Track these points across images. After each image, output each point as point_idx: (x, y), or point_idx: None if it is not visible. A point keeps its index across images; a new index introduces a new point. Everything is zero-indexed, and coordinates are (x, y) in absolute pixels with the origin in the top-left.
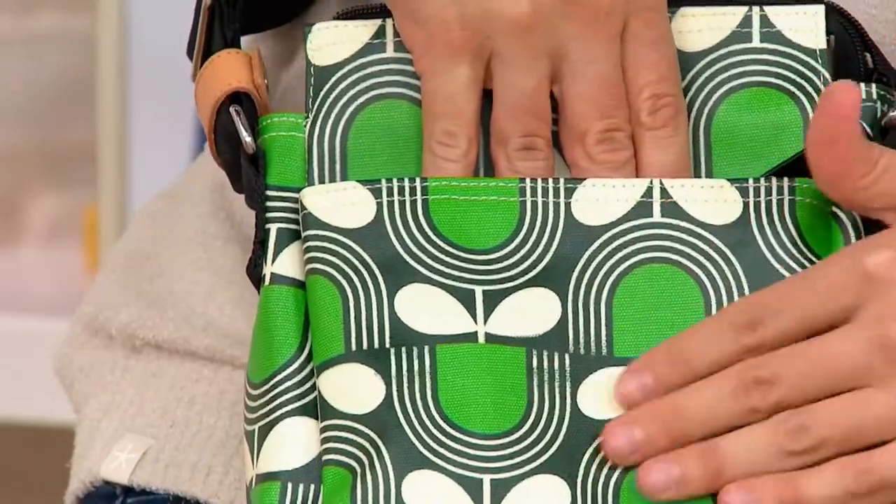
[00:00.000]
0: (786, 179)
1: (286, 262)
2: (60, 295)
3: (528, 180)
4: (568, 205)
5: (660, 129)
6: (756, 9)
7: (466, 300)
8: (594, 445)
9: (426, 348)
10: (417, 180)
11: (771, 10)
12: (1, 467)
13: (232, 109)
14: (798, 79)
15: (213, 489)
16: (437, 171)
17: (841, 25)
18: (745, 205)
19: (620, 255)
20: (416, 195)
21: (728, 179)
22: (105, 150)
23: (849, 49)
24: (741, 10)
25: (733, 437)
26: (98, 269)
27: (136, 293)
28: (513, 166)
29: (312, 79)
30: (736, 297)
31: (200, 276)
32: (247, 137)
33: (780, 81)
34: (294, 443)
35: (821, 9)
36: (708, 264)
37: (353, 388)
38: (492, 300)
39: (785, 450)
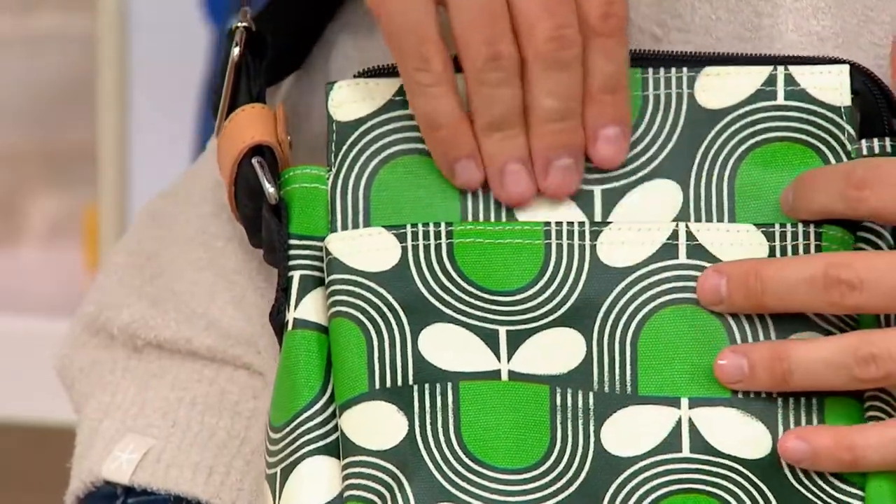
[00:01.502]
0: (812, 225)
1: (309, 308)
2: (60, 295)
3: (553, 223)
4: (593, 247)
5: (608, 36)
6: (781, 68)
7: (490, 339)
8: (617, 482)
9: (449, 385)
10: (442, 225)
11: (796, 70)
12: (1, 467)
13: (254, 161)
14: (823, 134)
15: (214, 490)
16: (425, 98)
17: (866, 86)
18: (771, 248)
19: (646, 295)
20: (440, 239)
21: (754, 224)
22: (105, 150)
23: (873, 108)
24: (766, 70)
25: (804, 347)
26: (98, 269)
27: (137, 293)
28: (481, 87)
29: (334, 134)
30: (761, 338)
31: (202, 276)
32: (270, 188)
33: (804, 137)
34: (316, 482)
35: (845, 68)
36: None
37: (376, 425)
38: (515, 340)
39: (853, 375)
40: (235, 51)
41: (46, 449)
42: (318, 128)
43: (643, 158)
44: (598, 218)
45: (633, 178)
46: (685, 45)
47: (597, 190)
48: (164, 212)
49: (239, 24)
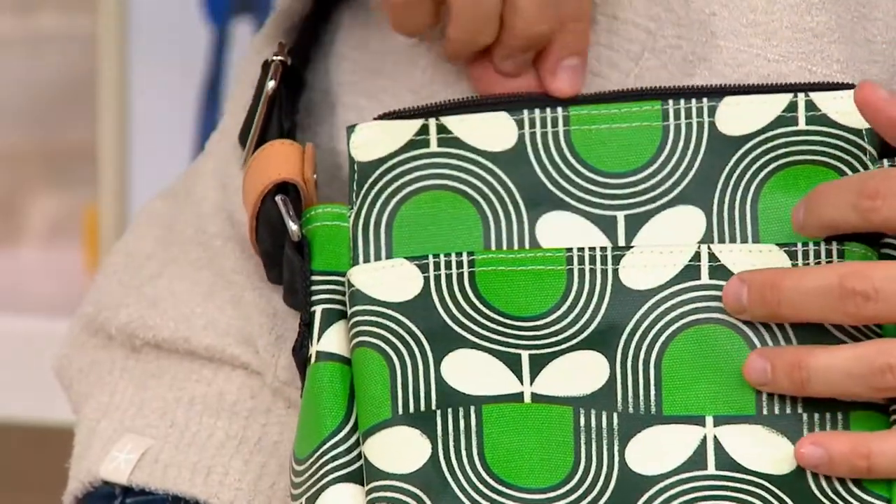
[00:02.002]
0: (834, 243)
1: (332, 340)
2: (60, 295)
3: (574, 249)
4: (615, 271)
5: None
6: (801, 95)
7: (513, 363)
8: (643, 500)
9: (472, 408)
10: (464, 254)
11: (816, 96)
12: (0, 467)
13: (278, 198)
14: (845, 156)
15: (212, 489)
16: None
17: None
18: (794, 266)
19: (669, 317)
20: (462, 268)
21: (776, 244)
22: (105, 151)
23: None
24: (786, 97)
25: (823, 355)
26: (98, 269)
27: (135, 293)
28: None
29: (355, 174)
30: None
31: (201, 275)
32: (293, 226)
33: (827, 159)
34: None
35: None
36: (757, 322)
37: (399, 449)
38: (538, 363)
39: (869, 385)
40: (270, 84)
41: (45, 449)
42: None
43: (666, 185)
44: (621, 243)
45: (657, 203)
46: (678, 40)
47: (620, 215)
48: (163, 212)
49: (274, 58)
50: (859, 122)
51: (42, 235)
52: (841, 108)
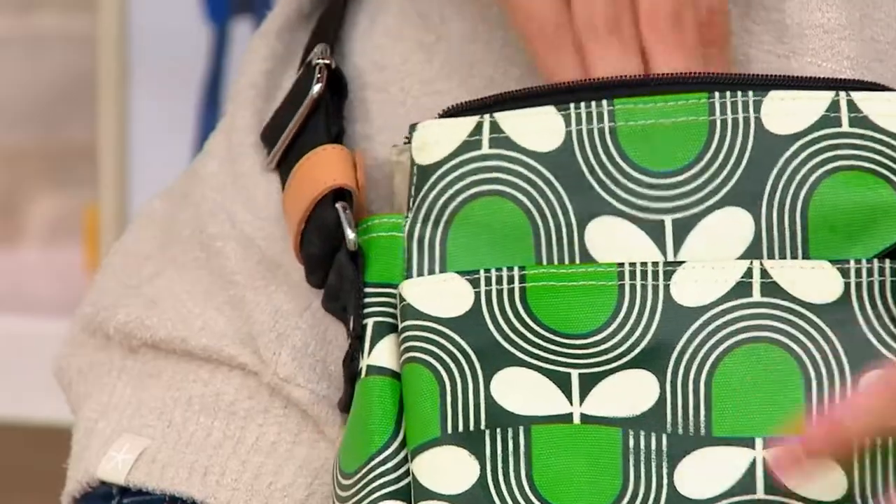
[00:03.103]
0: (888, 261)
1: (382, 355)
2: (60, 295)
3: (626, 264)
4: (667, 287)
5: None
6: (843, 94)
7: (562, 383)
8: None
9: (521, 429)
10: (515, 269)
11: (857, 96)
12: None
13: (338, 205)
14: (890, 163)
15: (209, 489)
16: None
17: None
18: (847, 285)
19: (720, 335)
20: (513, 283)
21: (829, 260)
22: (105, 150)
23: None
24: (829, 95)
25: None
26: (98, 269)
27: (134, 293)
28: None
29: (415, 178)
30: (836, 376)
31: (199, 275)
32: (351, 235)
33: (872, 166)
34: None
35: None
36: (808, 342)
37: (448, 469)
38: (588, 383)
39: None
40: (316, 87)
41: (44, 449)
42: None
43: (713, 184)
44: (669, 248)
45: (704, 206)
46: None
47: (667, 220)
48: (163, 212)
49: (319, 61)
50: None
51: (42, 235)
52: (882, 110)
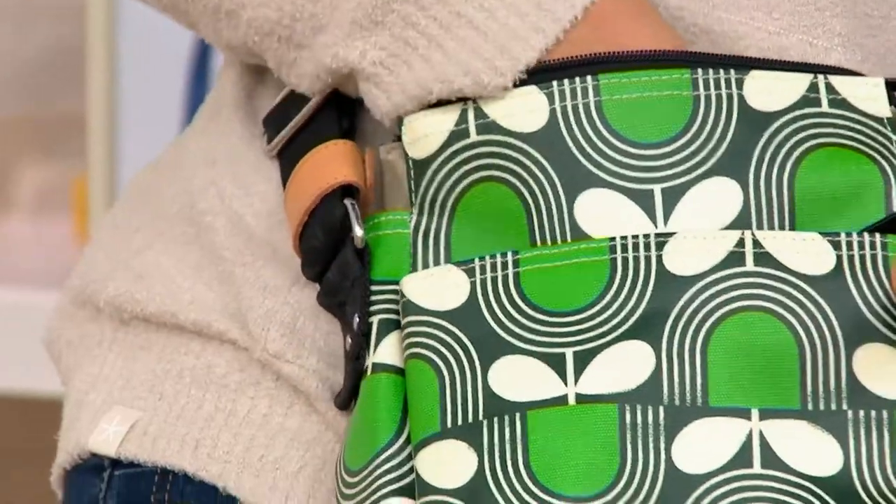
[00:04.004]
0: (878, 235)
1: (387, 352)
2: (49, 266)
3: (617, 238)
4: (659, 257)
5: None
6: (821, 77)
7: (557, 364)
8: (690, 501)
9: (517, 415)
10: (509, 255)
11: (835, 79)
12: None
13: (348, 202)
14: (872, 142)
15: (201, 462)
16: None
17: None
18: (839, 257)
19: (715, 303)
20: (507, 269)
21: (819, 233)
22: (94, 122)
23: None
24: (807, 77)
25: None
26: (87, 240)
27: (123, 267)
28: None
29: (412, 172)
30: (830, 348)
31: (188, 250)
32: (359, 232)
33: (855, 144)
34: None
35: (881, 81)
36: (802, 312)
37: (448, 463)
38: (583, 360)
39: None
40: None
41: (34, 420)
42: None
43: (700, 155)
44: (659, 217)
45: (693, 175)
46: (680, 11)
47: (656, 189)
48: (152, 185)
49: None
50: (879, 110)
51: (31, 206)
52: (859, 93)
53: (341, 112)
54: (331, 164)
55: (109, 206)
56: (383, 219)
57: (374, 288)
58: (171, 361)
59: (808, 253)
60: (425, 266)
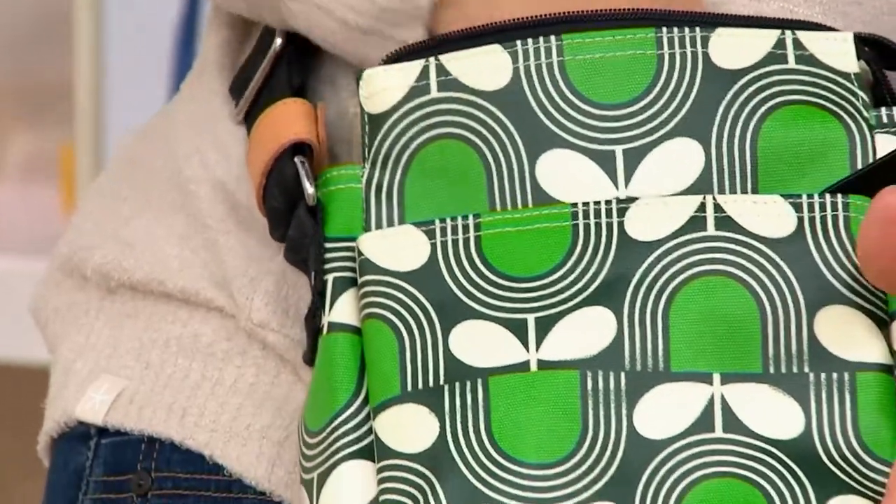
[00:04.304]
0: (839, 196)
1: (343, 310)
2: (36, 234)
3: (580, 204)
4: (621, 223)
5: None
6: (788, 32)
7: (518, 329)
8: (651, 467)
9: (479, 381)
10: (470, 217)
11: (803, 35)
12: None
13: (297, 160)
14: (838, 99)
15: (188, 430)
16: None
17: (870, 54)
18: (800, 220)
19: (675, 268)
20: (468, 232)
21: (781, 195)
22: (81, 90)
23: (876, 77)
24: (774, 33)
25: None
26: (74, 208)
27: (111, 234)
28: None
29: (367, 126)
30: (791, 311)
31: (175, 218)
32: (310, 189)
33: (820, 101)
34: (352, 486)
35: (850, 36)
36: (763, 276)
37: (408, 427)
38: (545, 326)
39: None
40: (278, 41)
41: (21, 388)
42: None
43: (663, 116)
44: (620, 178)
45: (654, 136)
46: None
47: (618, 150)
48: (139, 153)
49: None
50: (846, 66)
51: (18, 174)
52: (827, 49)
53: (291, 71)
54: (281, 123)
55: (97, 175)
56: (335, 173)
57: (329, 245)
58: (158, 330)
59: (769, 215)
60: (378, 222)
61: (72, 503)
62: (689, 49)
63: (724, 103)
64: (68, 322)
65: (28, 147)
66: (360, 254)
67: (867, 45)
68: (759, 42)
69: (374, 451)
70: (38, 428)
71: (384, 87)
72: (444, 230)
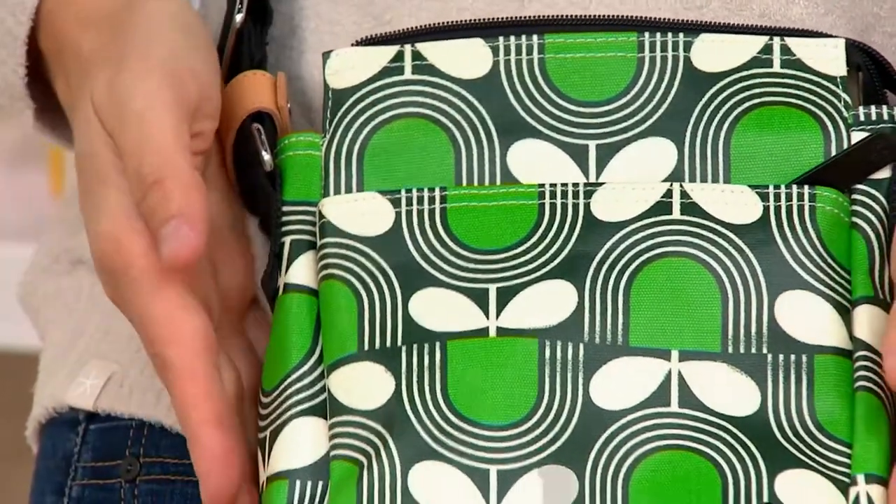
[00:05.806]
0: (806, 187)
1: (299, 271)
2: (26, 219)
3: (547, 184)
4: (587, 205)
5: None
6: (777, 39)
7: (479, 298)
8: (605, 436)
9: (437, 344)
10: (437, 190)
11: (792, 41)
12: None
13: (252, 127)
14: (819, 101)
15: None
16: None
17: (863, 59)
18: (766, 208)
19: (640, 248)
20: (434, 204)
21: (748, 185)
22: None
23: (870, 82)
24: (761, 39)
25: None
26: (63, 193)
27: None
28: None
29: (330, 101)
30: (753, 294)
31: None
32: (266, 155)
33: (800, 102)
34: (303, 441)
35: (841, 42)
36: (726, 260)
37: (363, 385)
38: (506, 295)
39: None
40: (238, 17)
41: (10, 375)
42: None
43: (639, 116)
44: (591, 171)
45: (629, 134)
46: None
47: (591, 144)
48: None
49: None
50: (834, 70)
51: (7, 159)
52: (815, 54)
53: (252, 45)
54: (241, 96)
55: None
56: (293, 139)
57: (286, 209)
58: None
59: (735, 204)
60: (337, 188)
61: (60, 489)
62: (670, 53)
63: (700, 105)
64: (58, 308)
65: (17, 132)
66: (322, 217)
67: (860, 51)
68: (745, 47)
69: (326, 408)
70: (26, 414)
71: (352, 65)
72: (409, 199)
